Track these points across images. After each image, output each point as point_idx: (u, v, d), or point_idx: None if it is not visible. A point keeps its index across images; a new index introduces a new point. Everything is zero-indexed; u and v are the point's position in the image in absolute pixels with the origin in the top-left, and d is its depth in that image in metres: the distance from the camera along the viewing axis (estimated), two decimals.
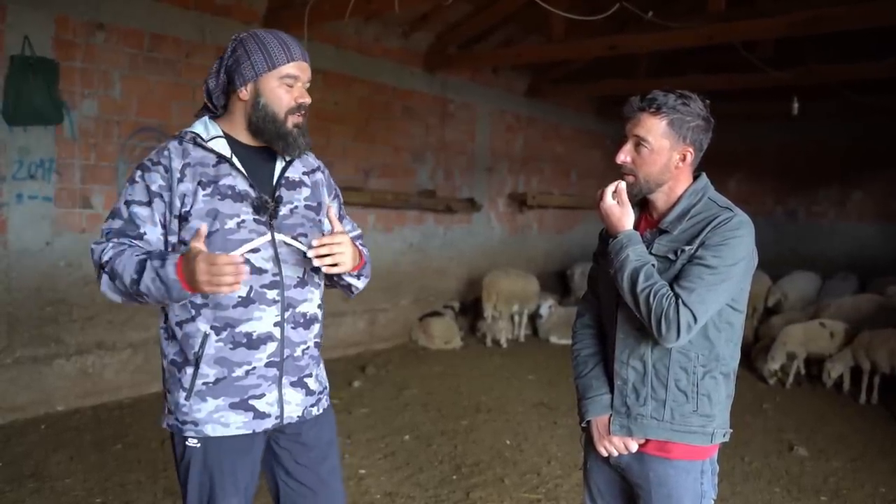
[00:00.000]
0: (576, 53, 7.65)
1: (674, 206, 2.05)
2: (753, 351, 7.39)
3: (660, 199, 2.08)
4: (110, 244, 1.95)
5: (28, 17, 4.83)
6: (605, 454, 2.15)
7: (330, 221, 2.03)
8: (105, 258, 1.93)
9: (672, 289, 1.92)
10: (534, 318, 8.44)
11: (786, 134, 11.35)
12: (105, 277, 1.93)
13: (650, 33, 6.55)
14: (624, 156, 2.05)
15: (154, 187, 1.96)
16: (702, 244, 1.94)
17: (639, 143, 2.02)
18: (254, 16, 6.16)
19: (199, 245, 1.81)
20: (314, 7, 5.87)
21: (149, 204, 1.97)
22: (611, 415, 2.11)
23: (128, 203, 1.97)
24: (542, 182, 10.41)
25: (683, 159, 2.03)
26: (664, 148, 2.01)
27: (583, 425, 2.23)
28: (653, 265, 1.97)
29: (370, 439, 4.84)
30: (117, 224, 1.98)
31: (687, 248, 1.95)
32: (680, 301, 1.89)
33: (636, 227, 2.14)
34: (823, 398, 6.32)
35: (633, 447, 2.10)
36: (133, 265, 1.89)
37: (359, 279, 2.19)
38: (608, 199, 2.04)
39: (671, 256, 1.98)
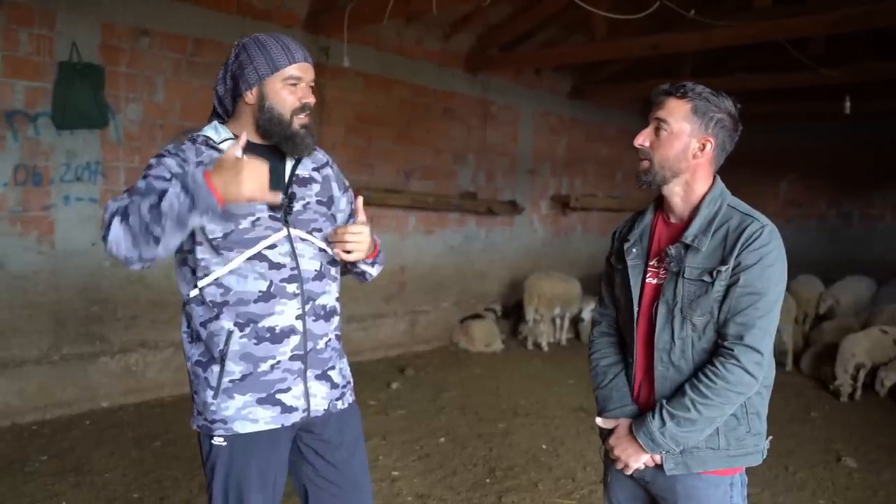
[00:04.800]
0: (618, 53, 7.54)
1: (694, 215, 1.97)
2: (804, 357, 7.19)
3: (677, 196, 2.00)
4: (127, 201, 1.88)
5: (76, 24, 4.98)
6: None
7: (356, 211, 2.16)
8: (119, 206, 1.86)
9: (724, 329, 1.87)
10: (576, 321, 8.34)
11: (839, 134, 11.01)
12: (115, 220, 1.82)
13: (693, 32, 6.42)
14: (642, 139, 1.99)
15: (173, 170, 1.95)
16: (739, 266, 1.86)
17: (659, 126, 1.96)
18: (294, 19, 6.24)
19: (237, 153, 1.82)
20: (354, 10, 5.92)
21: (168, 181, 1.93)
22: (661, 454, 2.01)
23: (146, 177, 1.94)
24: (586, 184, 10.30)
25: (703, 149, 1.95)
26: (683, 132, 1.94)
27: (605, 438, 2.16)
28: (669, 410, 1.90)
29: (405, 441, 4.84)
30: (138, 190, 1.91)
31: (722, 268, 1.87)
32: (736, 350, 1.84)
33: (652, 226, 2.08)
34: (875, 407, 6.08)
35: (658, 459, 2.04)
36: (155, 194, 1.83)
37: (373, 266, 2.27)
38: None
39: (706, 279, 1.89)
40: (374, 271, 2.29)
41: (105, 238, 1.84)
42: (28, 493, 3.81)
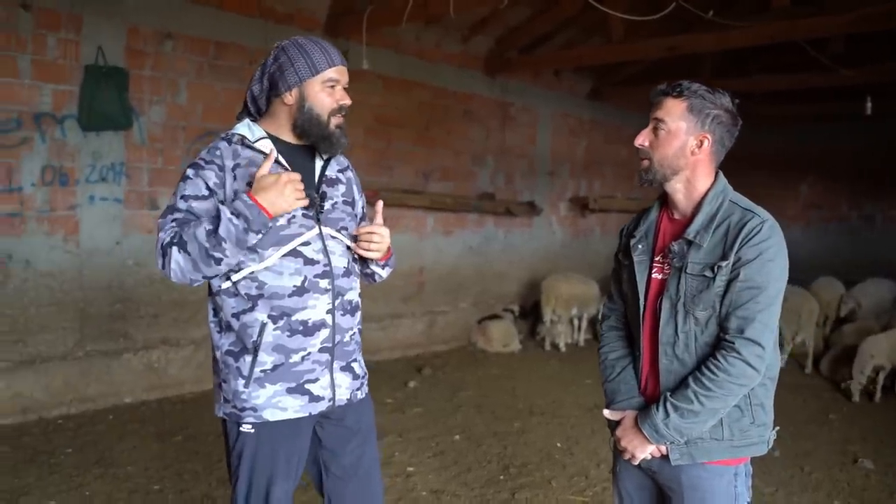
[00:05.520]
0: (636, 55, 7.56)
1: (697, 212, 2.00)
2: (823, 359, 7.14)
3: (679, 193, 2.04)
4: (176, 228, 2.02)
5: (102, 28, 5.11)
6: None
7: (376, 214, 2.25)
8: (170, 236, 2.00)
9: (726, 323, 1.91)
10: (594, 322, 8.35)
11: (860, 135, 10.90)
12: (173, 251, 1.97)
13: (711, 33, 6.42)
14: (642, 139, 2.03)
15: (210, 183, 2.06)
16: (739, 261, 1.90)
17: (657, 125, 2.00)
18: (315, 23, 6.33)
19: (269, 168, 2.01)
20: (373, 13, 5.99)
21: (207, 199, 2.05)
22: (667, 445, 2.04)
23: (185, 198, 2.05)
24: (605, 185, 10.30)
25: (700, 146, 1.99)
26: (680, 130, 1.98)
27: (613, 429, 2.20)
28: (673, 402, 1.94)
29: (421, 438, 4.89)
30: (179, 215, 2.04)
31: (723, 263, 1.91)
32: (737, 343, 1.88)
33: (657, 222, 2.12)
34: (895, 410, 6.03)
35: (664, 449, 2.07)
36: (205, 222, 1.97)
37: (384, 269, 2.37)
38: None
39: (707, 273, 1.93)
40: (384, 273, 2.38)
41: (164, 266, 2.00)
42: (53, 484, 3.92)
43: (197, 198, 2.05)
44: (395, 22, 5.97)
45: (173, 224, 2.02)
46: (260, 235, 1.99)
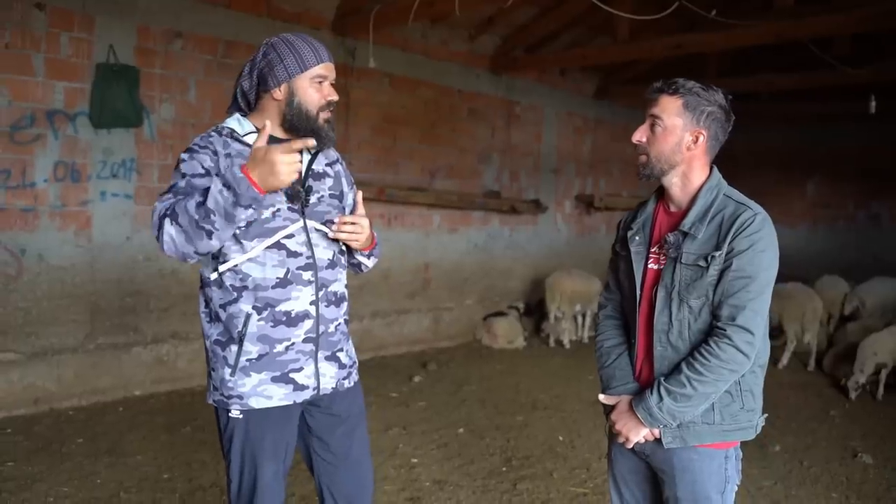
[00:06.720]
0: (641, 54, 7.61)
1: (692, 205, 2.08)
2: (826, 357, 7.17)
3: (675, 187, 2.12)
4: (172, 200, 2.05)
5: (113, 27, 5.20)
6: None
7: (356, 204, 2.32)
8: (165, 207, 2.02)
9: (718, 311, 1.98)
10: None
11: (867, 134, 10.92)
12: (166, 222, 1.98)
13: (716, 32, 6.47)
14: (639, 136, 2.11)
15: (206, 165, 2.10)
16: (731, 252, 1.97)
17: (654, 122, 2.08)
18: (322, 21, 6.41)
19: (264, 142, 1.98)
20: (380, 12, 6.07)
21: (204, 176, 2.09)
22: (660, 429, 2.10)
23: (184, 175, 2.09)
24: (611, 184, 10.36)
25: (696, 141, 2.06)
26: (676, 126, 2.05)
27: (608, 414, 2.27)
28: (666, 387, 2.01)
29: (425, 431, 4.96)
30: (180, 187, 2.07)
31: (716, 253, 1.98)
32: (728, 330, 1.95)
33: (654, 215, 2.19)
34: None
35: (657, 433, 2.14)
36: (198, 195, 1.99)
37: (369, 258, 2.43)
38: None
39: (701, 263, 2.01)
40: (369, 263, 2.44)
41: (158, 238, 2.01)
42: (65, 472, 4.02)
43: (195, 175, 2.09)
44: (401, 21, 6.04)
45: (170, 196, 2.06)
46: (250, 211, 1.98)
